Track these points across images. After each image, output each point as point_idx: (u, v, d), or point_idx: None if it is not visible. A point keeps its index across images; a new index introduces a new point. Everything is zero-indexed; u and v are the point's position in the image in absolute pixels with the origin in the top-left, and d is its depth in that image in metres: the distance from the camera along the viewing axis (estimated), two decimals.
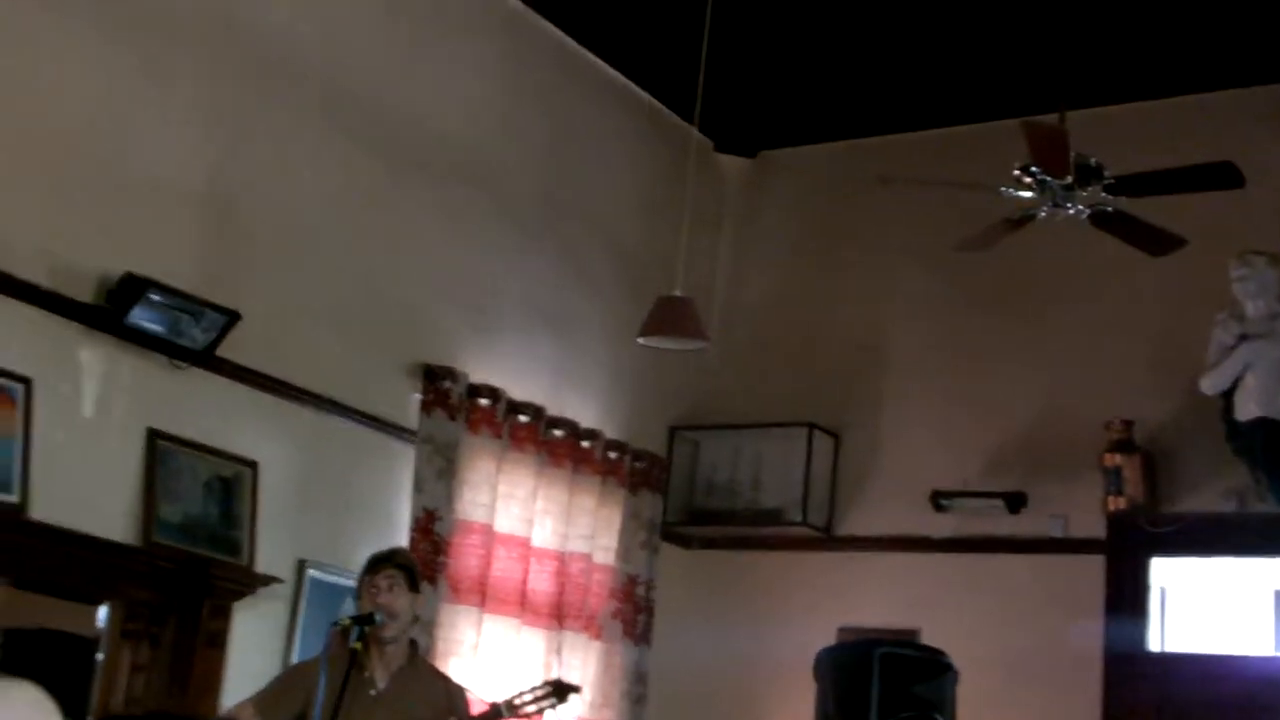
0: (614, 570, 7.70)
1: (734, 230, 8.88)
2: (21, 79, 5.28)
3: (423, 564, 6.31)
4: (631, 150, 8.28)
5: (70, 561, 5.27)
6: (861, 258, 8.46)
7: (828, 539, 8.13)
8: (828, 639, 7.14)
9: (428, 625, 6.41)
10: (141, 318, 5.50)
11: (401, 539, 6.46)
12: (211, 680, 5.59)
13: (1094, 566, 7.38)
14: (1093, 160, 5.94)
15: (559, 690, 5.02)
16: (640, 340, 6.62)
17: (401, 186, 6.80)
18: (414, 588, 4.91)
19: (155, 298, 5.50)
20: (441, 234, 7.04)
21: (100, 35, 5.55)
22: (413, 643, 4.99)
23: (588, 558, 7.52)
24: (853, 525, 8.13)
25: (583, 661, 7.41)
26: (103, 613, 5.49)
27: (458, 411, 6.83)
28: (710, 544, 8.40)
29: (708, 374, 8.47)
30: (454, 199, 7.10)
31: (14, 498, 5.10)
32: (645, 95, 8.31)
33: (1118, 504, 7.28)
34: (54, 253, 5.34)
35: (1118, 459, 7.27)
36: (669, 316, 6.45)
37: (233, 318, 5.74)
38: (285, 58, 6.27)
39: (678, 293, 6.48)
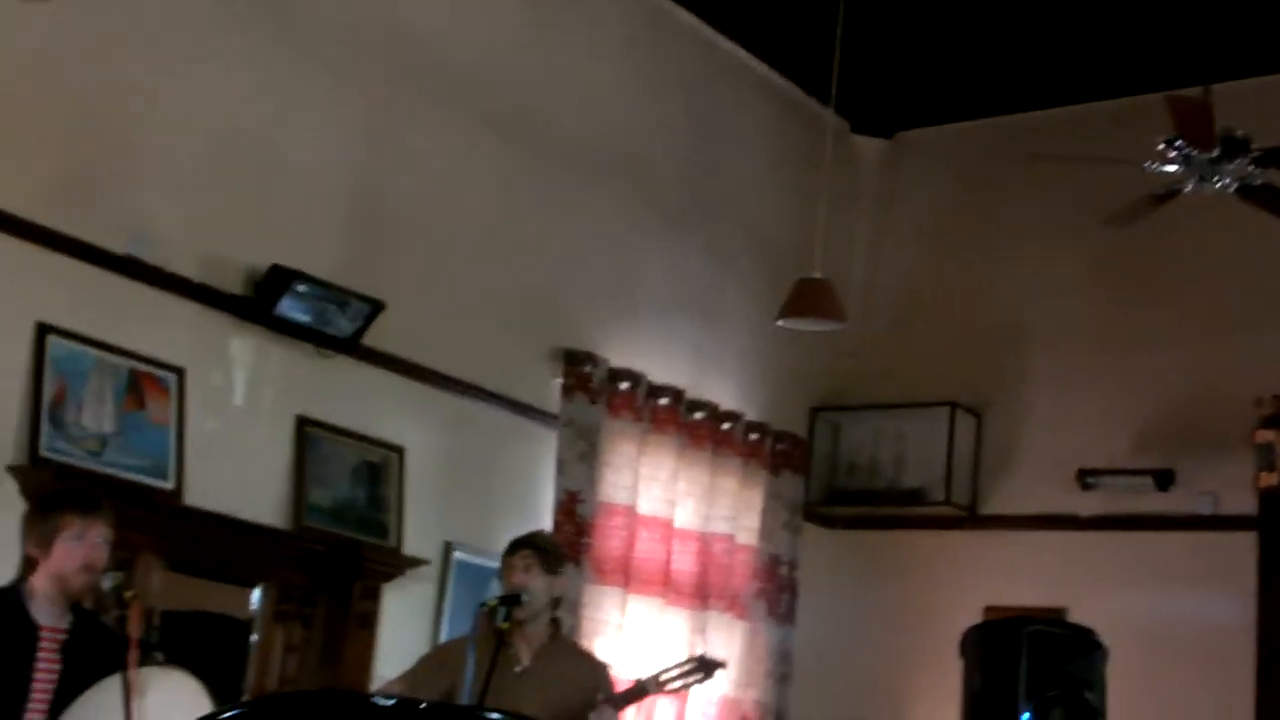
0: (756, 550, 7.72)
1: (872, 211, 8.84)
2: (174, 80, 5.45)
3: (566, 546, 6.38)
4: (769, 134, 8.28)
5: (224, 546, 5.44)
6: (1002, 236, 8.37)
7: (972, 518, 8.07)
8: (974, 618, 7.08)
9: (573, 605, 6.49)
10: (289, 308, 5.64)
11: (545, 521, 6.55)
12: (362, 660, 5.72)
13: (1245, 544, 7.24)
14: (1239, 132, 5.83)
15: (704, 666, 5.02)
16: (779, 322, 6.64)
17: (542, 175, 6.89)
18: (551, 570, 4.94)
19: (302, 288, 5.63)
20: (581, 221, 7.11)
21: (249, 35, 5.70)
22: (554, 621, 5.05)
23: (730, 538, 7.56)
24: (997, 504, 8.06)
25: (727, 641, 7.45)
26: (256, 595, 5.65)
27: (599, 395, 6.90)
28: (853, 524, 8.38)
29: (848, 355, 8.44)
30: (594, 186, 7.17)
31: (169, 484, 5.28)
32: (781, 79, 8.31)
33: (1269, 480, 7.14)
34: (205, 247, 5.51)
35: (1269, 435, 7.14)
36: (808, 298, 6.46)
37: (377, 307, 5.86)
38: (428, 52, 6.38)
39: (816, 275, 6.48)
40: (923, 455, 8.11)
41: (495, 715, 0.94)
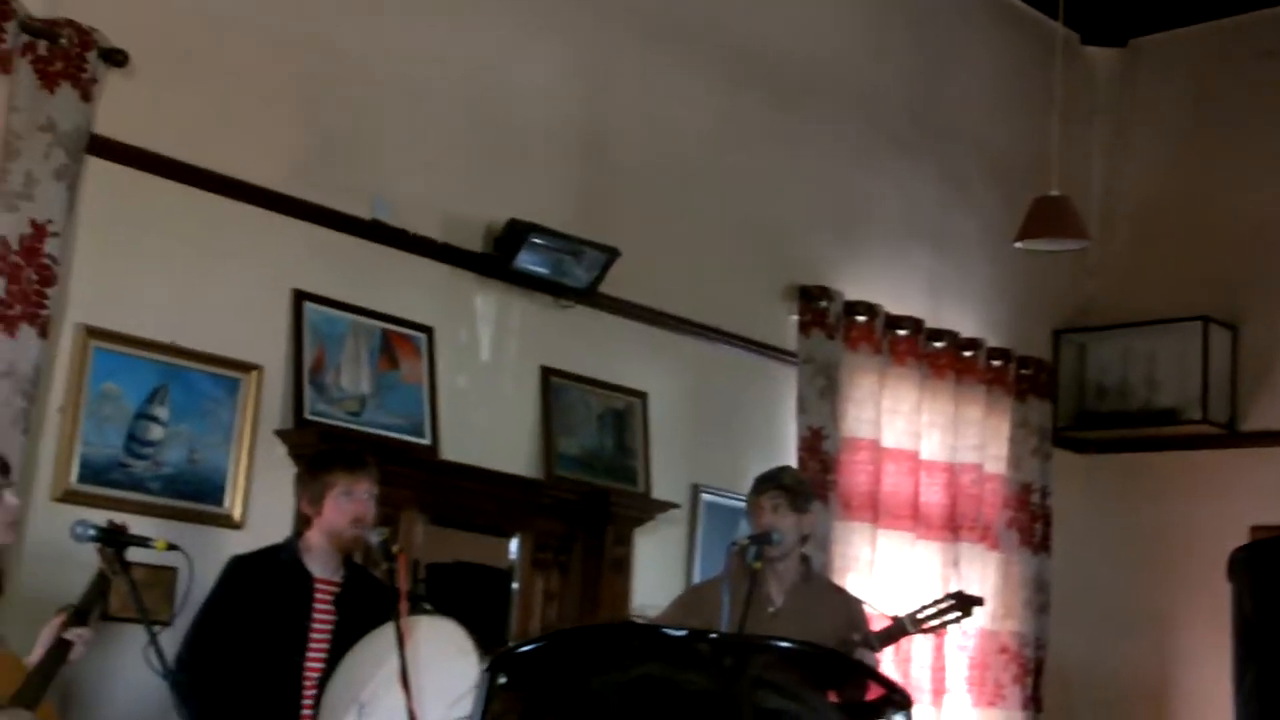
0: (1006, 479, 7.60)
1: (1107, 124, 8.56)
2: (407, 43, 5.57)
3: (813, 483, 6.38)
4: (996, 52, 8.09)
5: (481, 498, 5.57)
6: (1250, 139, 8.03)
7: (1232, 436, 7.81)
8: (1239, 539, 6.86)
9: (822, 542, 6.49)
10: (527, 261, 5.73)
11: (790, 459, 6.55)
12: (618, 603, 5.82)
13: None
14: None
15: (962, 603, 4.97)
16: (1017, 244, 6.50)
17: (770, 111, 6.84)
18: (798, 507, 4.94)
19: (539, 241, 5.71)
20: (809, 154, 7.05)
21: None
22: (805, 559, 5.06)
23: (978, 468, 7.46)
24: (1258, 420, 7.78)
25: (981, 573, 7.36)
26: (514, 545, 5.79)
27: (835, 330, 6.86)
28: (1105, 448, 8.18)
29: (1090, 274, 8.23)
30: (822, 119, 7.10)
31: (426, 440, 5.43)
32: None
33: None
34: (445, 207, 5.63)
35: None
36: (1046, 218, 6.31)
37: (613, 254, 5.91)
38: None
39: (1054, 193, 6.32)
40: (1175, 373, 7.86)
41: (785, 643, 0.93)
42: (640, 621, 0.86)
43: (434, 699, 3.93)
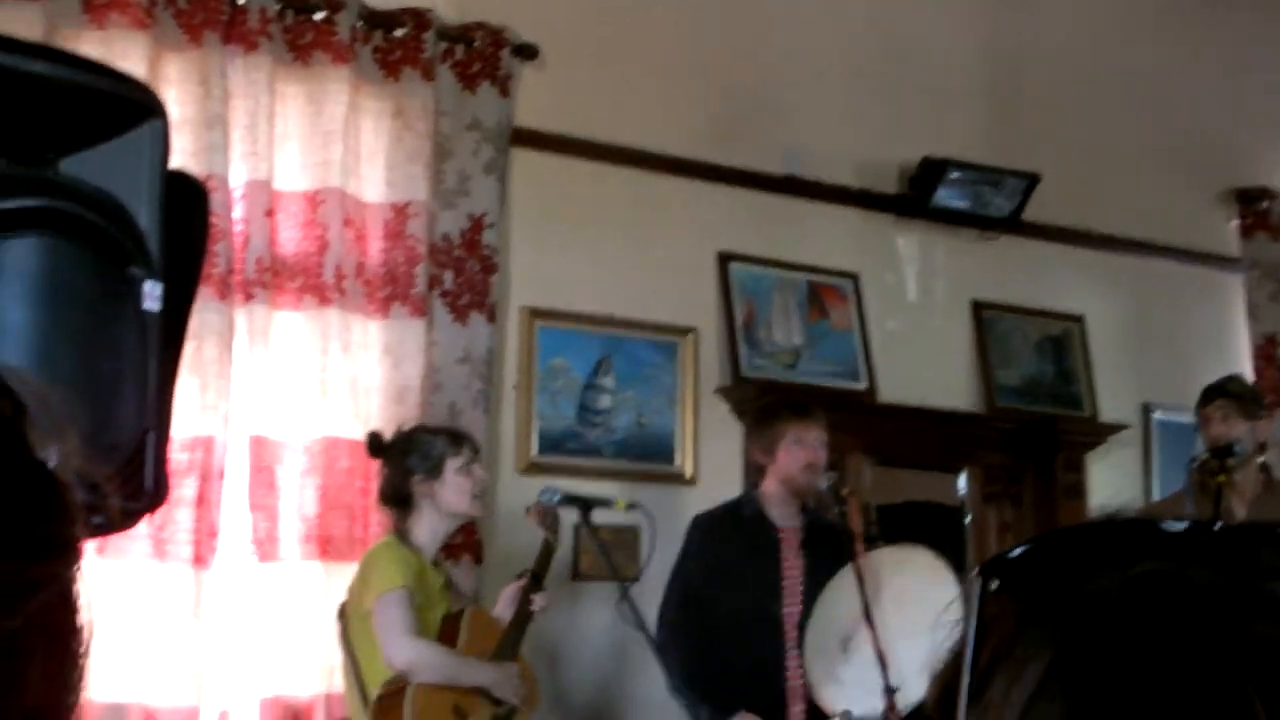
0: None
1: None
2: None
3: (1269, 392, 6.08)
4: None
5: (923, 436, 5.59)
6: None
7: None
8: None
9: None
10: (946, 197, 5.69)
11: (1244, 369, 6.26)
12: None
13: None
14: None
15: None
16: None
17: (1188, 14, 6.54)
18: (1250, 415, 4.74)
19: (955, 175, 5.67)
20: (1238, 48, 6.68)
21: None
22: (1264, 467, 4.84)
23: None
24: None
25: None
26: (962, 480, 5.77)
27: None
28: None
29: None
30: (1241, 16, 6.73)
31: (862, 385, 5.48)
32: None
33: None
34: (857, 153, 5.66)
35: None
36: None
37: (1033, 180, 5.79)
38: None
39: None
40: None
41: None
42: (1129, 518, 0.83)
43: (916, 624, 3.96)
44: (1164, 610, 0.75)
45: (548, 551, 4.09)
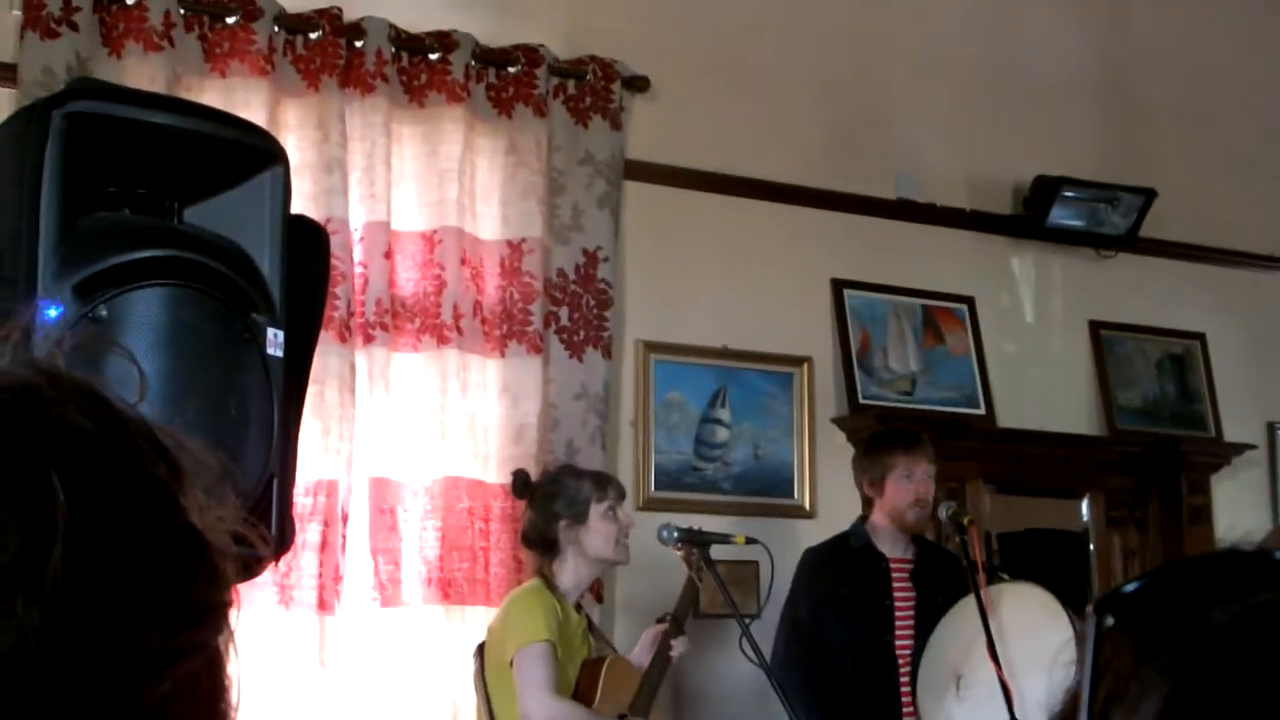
0: None
1: None
2: (909, 17, 5.56)
3: None
4: None
5: (1044, 461, 5.49)
6: None
7: None
8: None
9: None
10: (1060, 216, 5.59)
11: None
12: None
13: None
14: None
15: None
16: None
17: None
18: None
19: (1069, 194, 5.57)
20: None
21: None
22: None
23: None
24: None
25: None
26: (1085, 505, 5.66)
27: None
28: None
29: None
30: None
31: (981, 410, 5.40)
32: None
33: None
34: (968, 174, 5.58)
35: None
36: None
37: (1149, 196, 5.68)
38: None
39: None
40: None
41: None
42: (1247, 549, 0.84)
43: (1028, 665, 3.90)
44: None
45: (692, 594, 4.03)
